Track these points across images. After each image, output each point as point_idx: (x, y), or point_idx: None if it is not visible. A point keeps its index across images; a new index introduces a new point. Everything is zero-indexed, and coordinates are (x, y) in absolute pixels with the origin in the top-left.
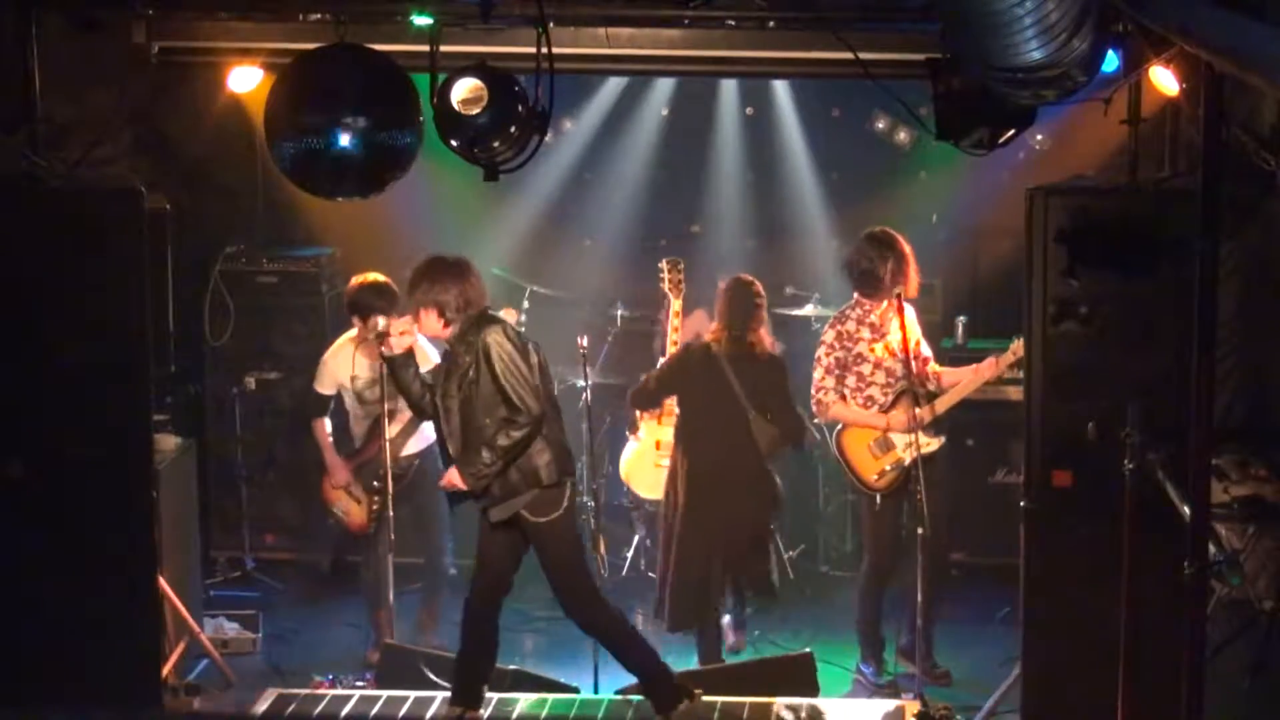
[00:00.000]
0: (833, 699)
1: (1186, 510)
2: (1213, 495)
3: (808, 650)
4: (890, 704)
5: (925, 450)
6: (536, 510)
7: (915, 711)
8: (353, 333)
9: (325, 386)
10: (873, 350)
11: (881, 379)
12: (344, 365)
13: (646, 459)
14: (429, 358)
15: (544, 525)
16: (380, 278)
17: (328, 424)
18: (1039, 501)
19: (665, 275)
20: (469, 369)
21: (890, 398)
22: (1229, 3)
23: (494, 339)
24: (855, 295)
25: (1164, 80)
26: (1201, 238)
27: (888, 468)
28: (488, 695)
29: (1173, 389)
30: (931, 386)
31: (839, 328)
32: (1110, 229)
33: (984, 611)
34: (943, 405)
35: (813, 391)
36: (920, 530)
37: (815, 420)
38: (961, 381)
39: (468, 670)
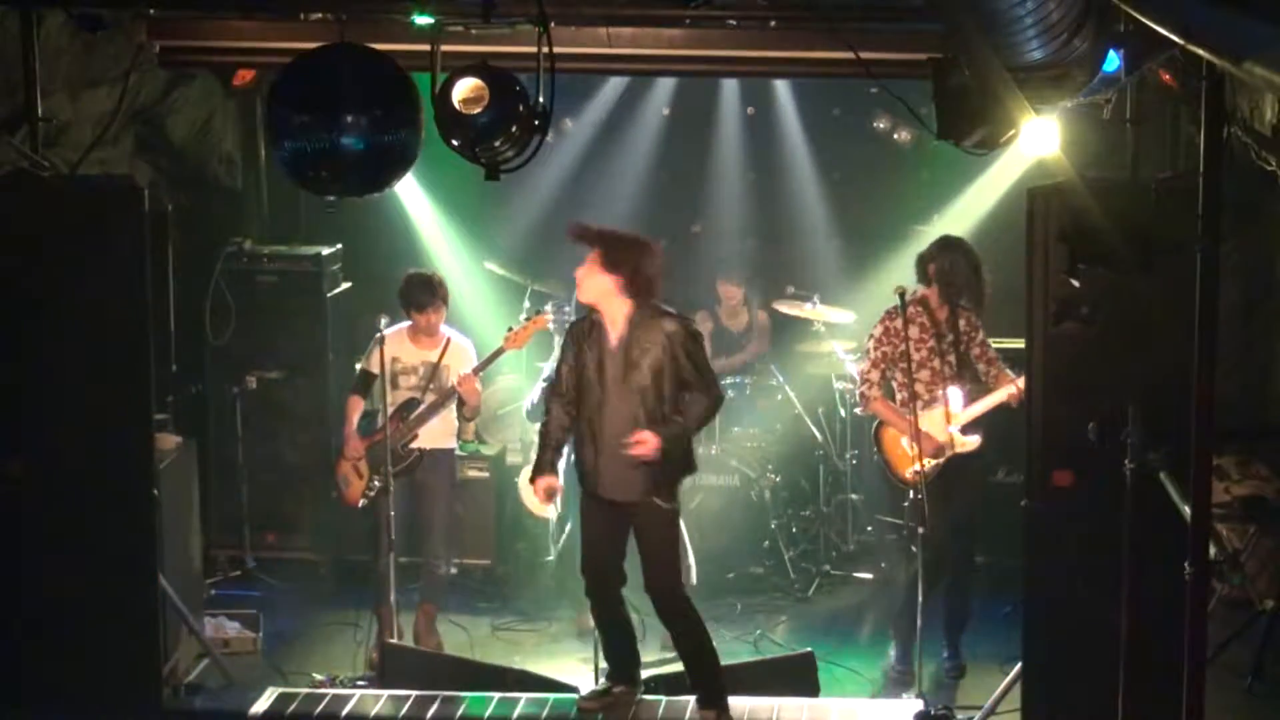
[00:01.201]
0: (833, 699)
1: (1187, 510)
2: (1214, 495)
3: (808, 650)
4: (890, 704)
5: (962, 449)
6: (665, 497)
7: (915, 711)
8: (408, 323)
9: (373, 365)
10: (919, 349)
11: (926, 377)
12: (392, 345)
13: None
14: (469, 358)
15: (661, 510)
16: (428, 272)
17: (361, 403)
18: (1040, 501)
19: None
20: (653, 353)
21: (928, 397)
22: (1229, 2)
23: (685, 330)
24: (918, 291)
25: (1165, 80)
26: (1202, 237)
27: (923, 464)
28: (488, 695)
29: (1173, 389)
30: (996, 389)
31: (889, 323)
32: (1111, 228)
33: (985, 611)
34: (965, 418)
35: (859, 382)
36: (920, 530)
37: (856, 409)
38: (985, 399)
39: (612, 649)
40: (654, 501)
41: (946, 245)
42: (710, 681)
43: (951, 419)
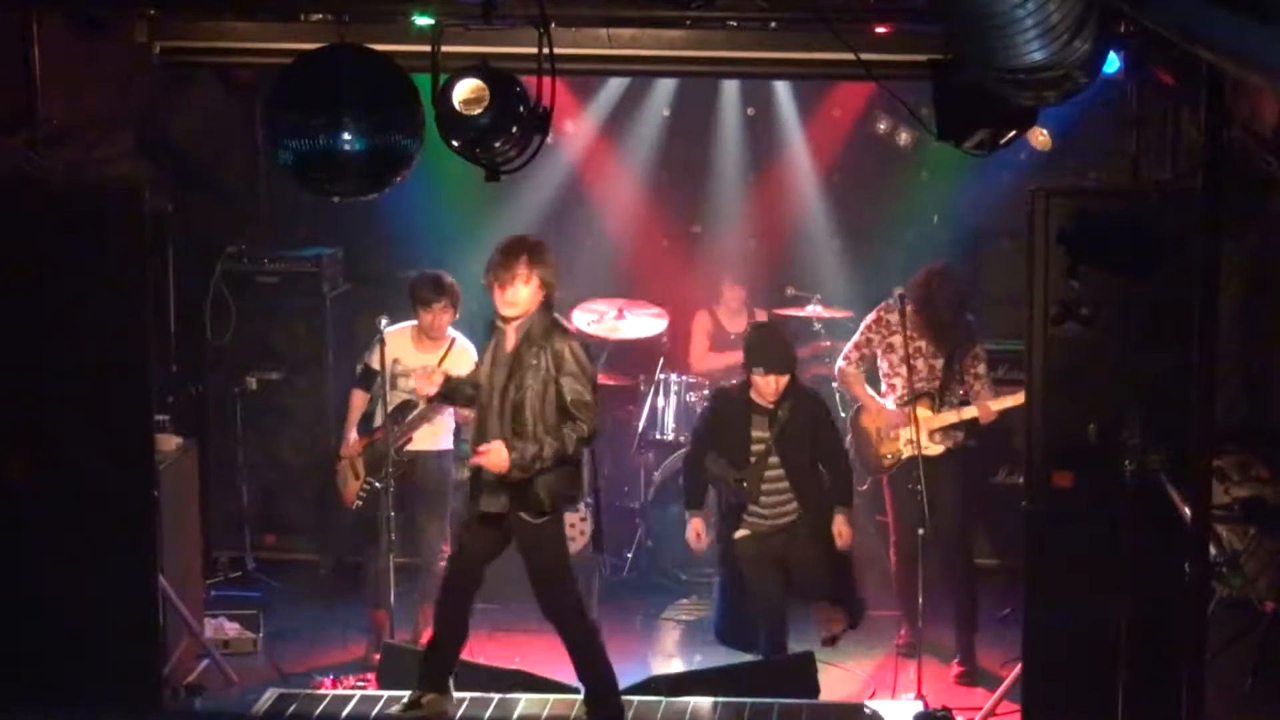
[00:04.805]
0: (833, 699)
1: (1187, 511)
2: (1213, 496)
3: (808, 650)
4: (890, 704)
5: (926, 452)
6: (530, 511)
7: (915, 712)
8: (413, 323)
9: (375, 361)
10: (904, 347)
11: (905, 373)
12: (395, 346)
13: None
14: (471, 357)
15: (535, 527)
16: (437, 272)
17: (363, 398)
18: (1039, 502)
19: None
20: (540, 369)
21: (906, 395)
22: (1229, 3)
23: (571, 349)
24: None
25: (1165, 81)
26: (1202, 238)
27: (888, 456)
28: (488, 695)
29: (1174, 390)
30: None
31: (883, 315)
32: (1111, 229)
33: (985, 611)
34: (937, 423)
35: (840, 357)
36: (921, 531)
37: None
38: (954, 410)
39: (434, 657)
40: (521, 516)
41: (934, 275)
42: (600, 683)
43: (920, 422)
